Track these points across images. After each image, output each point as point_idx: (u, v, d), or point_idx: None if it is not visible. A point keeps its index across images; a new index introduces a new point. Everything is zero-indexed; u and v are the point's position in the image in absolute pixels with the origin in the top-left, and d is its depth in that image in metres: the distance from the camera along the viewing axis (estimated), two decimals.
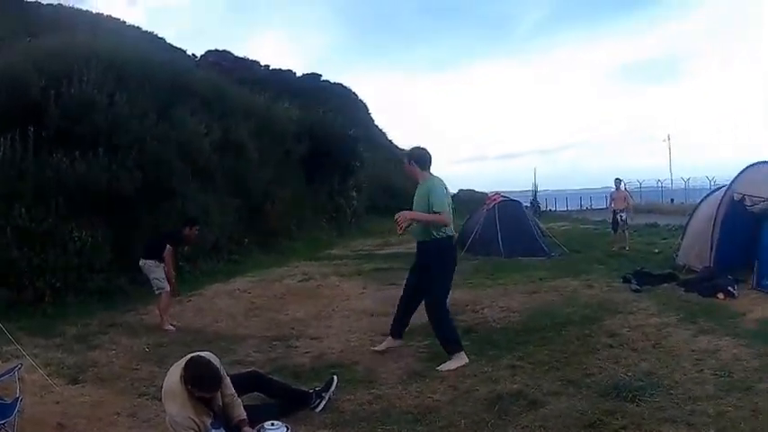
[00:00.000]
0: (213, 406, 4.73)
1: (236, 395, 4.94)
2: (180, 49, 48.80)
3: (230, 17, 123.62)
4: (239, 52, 58.94)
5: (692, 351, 7.04)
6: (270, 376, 6.00)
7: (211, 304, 10.65)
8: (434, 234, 7.01)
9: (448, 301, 7.61)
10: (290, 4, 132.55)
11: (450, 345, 6.96)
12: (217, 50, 56.33)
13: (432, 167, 7.38)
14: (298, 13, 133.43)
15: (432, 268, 7.12)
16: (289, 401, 5.56)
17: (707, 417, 5.10)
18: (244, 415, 4.87)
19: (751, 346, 7.04)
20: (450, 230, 7.19)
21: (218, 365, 4.78)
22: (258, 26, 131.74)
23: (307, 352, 7.63)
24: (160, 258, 9.24)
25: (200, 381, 4.57)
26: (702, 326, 8.09)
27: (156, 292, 9.27)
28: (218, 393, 4.75)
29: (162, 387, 4.81)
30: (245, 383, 5.48)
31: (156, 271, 9.22)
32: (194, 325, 9.48)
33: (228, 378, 4.95)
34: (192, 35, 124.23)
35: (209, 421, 4.61)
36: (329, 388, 5.76)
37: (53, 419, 5.53)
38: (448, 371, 6.57)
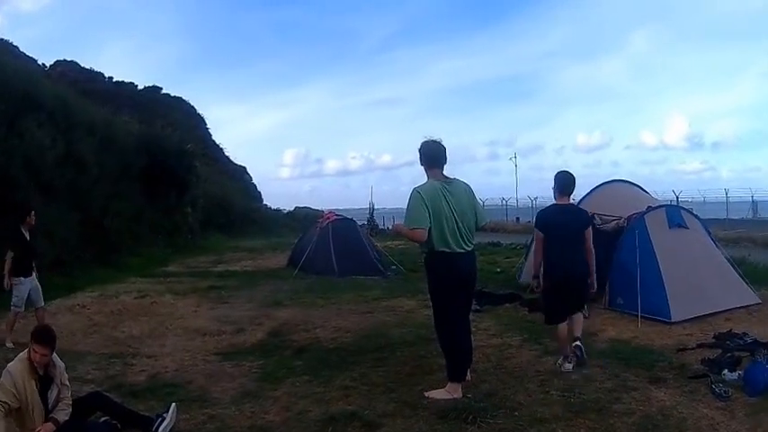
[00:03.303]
0: (47, 379, 5.21)
1: (69, 401, 5.27)
2: (32, 57, 46.53)
3: (80, 26, 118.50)
4: (86, 62, 56.79)
5: (538, 372, 6.97)
6: (112, 398, 5.84)
7: (54, 320, 10.15)
8: (422, 248, 6.41)
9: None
10: (137, 15, 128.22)
11: (448, 370, 6.36)
12: (65, 60, 54.03)
13: (444, 165, 6.45)
14: (144, 23, 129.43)
15: (429, 285, 6.57)
16: (130, 424, 5.49)
17: None
18: (58, 416, 5.11)
19: (604, 367, 7.04)
20: (441, 246, 6.16)
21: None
22: (105, 36, 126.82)
23: (143, 370, 7.46)
24: (24, 273, 9.01)
25: (38, 332, 5.27)
26: (548, 346, 7.94)
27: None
28: (55, 372, 5.27)
29: None
30: (87, 404, 5.52)
31: (15, 288, 8.96)
32: None
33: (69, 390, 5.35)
34: (44, 43, 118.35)
35: (33, 385, 5.08)
36: (168, 412, 5.54)
37: None
38: (431, 398, 6.09)
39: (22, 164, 14.42)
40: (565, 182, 7.39)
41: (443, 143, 6.51)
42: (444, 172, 6.46)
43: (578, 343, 7.12)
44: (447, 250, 6.17)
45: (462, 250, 6.26)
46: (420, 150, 6.47)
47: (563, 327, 7.15)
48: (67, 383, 5.36)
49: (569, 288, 7.16)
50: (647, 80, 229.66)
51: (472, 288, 6.75)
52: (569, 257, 7.08)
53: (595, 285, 7.43)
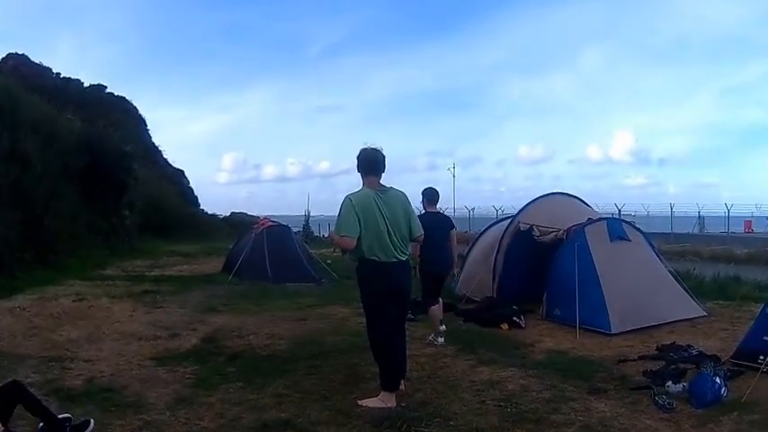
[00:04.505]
0: None
1: None
2: None
3: (32, 18, 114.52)
4: (36, 57, 55.37)
5: (473, 382, 6.93)
6: (31, 392, 5.64)
7: None
8: (351, 256, 6.45)
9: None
10: (86, 10, 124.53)
11: (381, 380, 6.31)
12: (17, 54, 52.49)
13: (381, 174, 6.40)
14: (92, 19, 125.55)
15: (361, 294, 6.50)
16: (48, 425, 5.34)
17: None
18: None
19: (541, 377, 7.02)
20: (371, 255, 6.14)
21: None
22: (55, 30, 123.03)
23: (80, 374, 7.37)
24: None
25: None
26: (483, 356, 8.05)
27: None
28: None
29: None
30: (8, 394, 5.36)
31: None
32: None
33: None
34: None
35: None
36: (84, 430, 5.37)
37: None
38: (365, 406, 6.06)
39: None
40: (432, 195, 9.42)
41: (383, 151, 6.44)
42: (381, 181, 6.40)
43: (443, 327, 9.16)
44: (377, 259, 6.12)
45: (395, 260, 6.20)
46: (358, 157, 6.39)
47: (437, 308, 9.30)
48: None
49: (440, 277, 9.43)
50: (595, 97, 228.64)
51: (406, 298, 6.67)
52: (440, 254, 9.11)
53: (455, 273, 10.60)
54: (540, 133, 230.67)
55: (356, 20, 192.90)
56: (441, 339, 9.00)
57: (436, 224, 9.02)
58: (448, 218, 10.02)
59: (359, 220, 6.03)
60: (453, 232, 9.60)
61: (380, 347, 6.38)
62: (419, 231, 6.62)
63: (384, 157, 6.42)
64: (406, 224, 6.38)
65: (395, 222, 6.23)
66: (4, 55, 51.04)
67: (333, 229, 6.49)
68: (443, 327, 9.19)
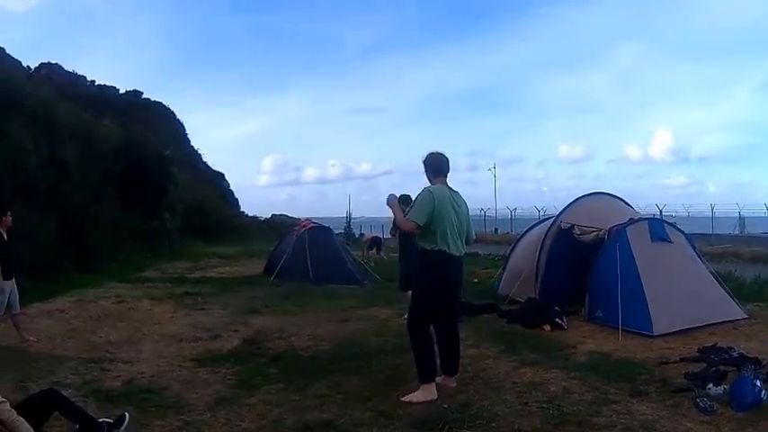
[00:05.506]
0: None
1: (14, 414, 4.75)
2: (17, 60, 45.92)
3: (65, 29, 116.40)
4: (70, 65, 56.40)
5: (515, 383, 6.83)
6: (67, 397, 5.54)
7: (33, 324, 10.11)
8: (421, 246, 6.55)
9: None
10: (120, 19, 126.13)
11: (419, 372, 6.46)
12: (50, 63, 53.55)
13: (447, 175, 6.81)
14: (126, 27, 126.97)
15: (414, 282, 6.92)
16: (85, 428, 5.25)
17: None
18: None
19: (583, 379, 6.91)
20: (442, 246, 6.41)
21: None
22: (89, 39, 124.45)
23: (119, 376, 7.33)
24: (5, 277, 8.58)
25: None
26: (526, 357, 7.95)
27: None
28: None
29: None
30: (43, 402, 5.27)
31: None
32: (18, 344, 8.94)
33: (7, 402, 4.80)
34: (30, 45, 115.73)
35: None
36: (121, 425, 5.35)
37: None
38: (407, 401, 6.16)
39: (4, 166, 14.33)
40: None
41: (446, 155, 6.87)
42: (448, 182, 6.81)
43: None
44: (446, 250, 6.43)
45: (457, 253, 6.59)
46: (425, 162, 6.82)
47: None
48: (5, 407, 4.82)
49: None
50: (633, 94, 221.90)
51: (458, 292, 6.99)
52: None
53: None
54: (580, 132, 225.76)
55: (392, 20, 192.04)
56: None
57: None
58: None
59: (433, 212, 6.38)
60: None
61: (419, 338, 6.55)
62: (473, 236, 7.21)
63: (448, 159, 6.89)
64: (466, 226, 6.81)
65: (460, 221, 6.65)
66: (36, 64, 51.95)
67: (395, 202, 6.88)
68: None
